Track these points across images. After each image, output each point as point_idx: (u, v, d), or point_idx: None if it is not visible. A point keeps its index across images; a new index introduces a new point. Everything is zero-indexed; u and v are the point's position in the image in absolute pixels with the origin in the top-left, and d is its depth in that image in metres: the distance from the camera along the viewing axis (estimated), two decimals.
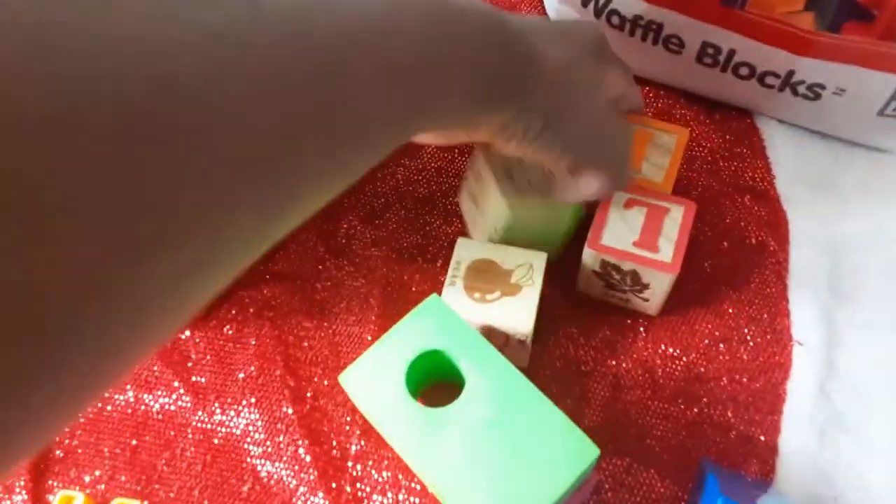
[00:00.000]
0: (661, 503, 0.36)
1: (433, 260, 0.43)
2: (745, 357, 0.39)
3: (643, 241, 0.37)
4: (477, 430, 0.29)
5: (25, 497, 0.37)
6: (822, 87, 0.42)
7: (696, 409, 0.38)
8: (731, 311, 0.41)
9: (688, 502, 0.36)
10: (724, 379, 0.39)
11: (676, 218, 0.37)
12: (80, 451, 0.39)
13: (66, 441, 0.39)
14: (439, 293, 0.37)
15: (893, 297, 0.40)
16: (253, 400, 0.39)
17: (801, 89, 0.43)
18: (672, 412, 0.38)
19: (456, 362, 0.31)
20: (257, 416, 0.39)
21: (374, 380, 0.30)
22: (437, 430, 0.29)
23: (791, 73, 0.42)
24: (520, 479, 0.28)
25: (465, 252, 0.37)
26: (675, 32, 0.44)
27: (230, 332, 0.41)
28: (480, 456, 0.28)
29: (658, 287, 0.38)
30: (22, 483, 0.38)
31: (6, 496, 0.38)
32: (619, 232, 0.37)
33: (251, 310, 0.42)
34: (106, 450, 0.39)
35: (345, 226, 0.44)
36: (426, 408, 0.30)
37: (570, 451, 0.29)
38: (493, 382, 0.30)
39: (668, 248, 0.37)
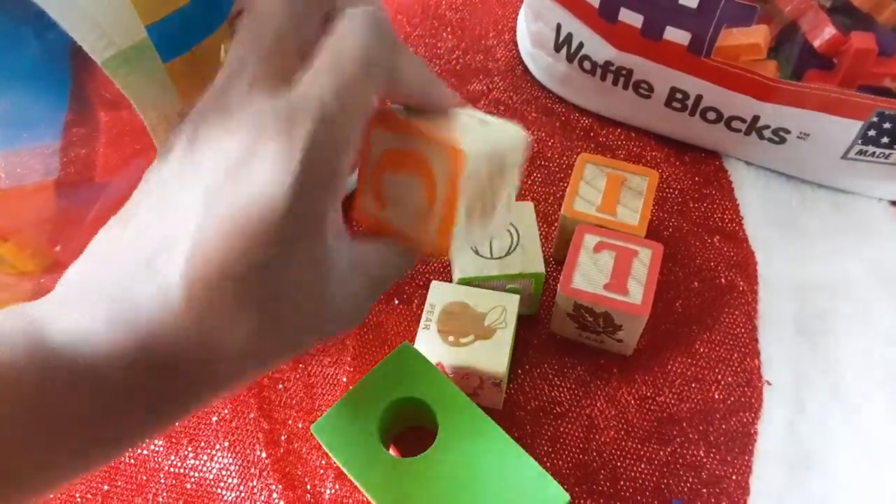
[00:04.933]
0: None
1: (409, 301, 0.43)
2: (716, 396, 0.40)
3: (613, 283, 0.38)
4: (449, 478, 0.29)
5: None
6: (787, 131, 0.44)
7: (668, 450, 0.38)
8: (702, 350, 0.41)
9: None
10: (696, 419, 0.39)
11: (645, 260, 0.38)
12: (51, 496, 0.38)
13: None
14: (414, 334, 0.37)
15: (857, 338, 0.41)
16: (226, 444, 0.39)
17: (767, 133, 0.44)
18: (645, 453, 0.38)
19: (428, 408, 0.31)
20: (231, 459, 0.39)
21: (346, 430, 0.30)
22: (409, 479, 0.29)
23: (756, 118, 0.44)
24: None
25: (438, 295, 0.38)
26: (645, 78, 0.45)
27: None
28: None
29: (630, 328, 0.38)
30: None
31: None
32: (590, 275, 0.38)
33: None
34: (77, 495, 0.38)
35: None
36: (399, 458, 0.30)
37: (540, 497, 0.29)
38: (464, 431, 0.30)
39: (638, 290, 0.37)
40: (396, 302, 0.43)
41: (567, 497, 0.29)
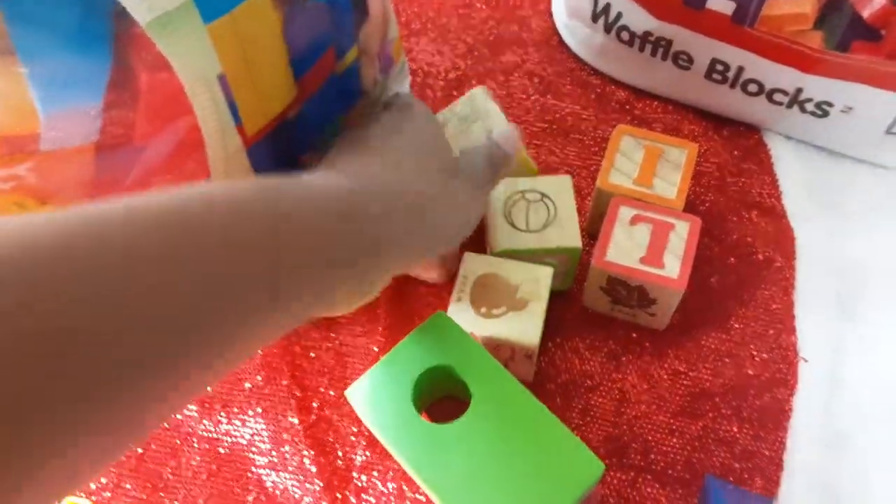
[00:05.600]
0: None
1: None
2: (750, 372, 0.39)
3: (649, 257, 0.37)
4: (482, 446, 0.29)
5: None
6: (830, 104, 0.43)
7: (701, 424, 0.38)
8: (737, 326, 0.41)
9: None
10: (729, 394, 0.39)
11: (682, 234, 0.38)
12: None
13: None
14: (446, 306, 0.37)
15: (894, 315, 0.40)
16: (259, 409, 0.39)
17: (809, 107, 0.43)
18: (677, 427, 0.38)
19: (462, 377, 0.31)
20: (263, 425, 0.39)
21: (380, 396, 0.30)
22: (442, 446, 0.29)
23: (799, 91, 0.43)
24: (525, 495, 0.28)
25: (471, 267, 0.38)
26: (685, 49, 0.44)
27: None
28: (486, 472, 0.29)
29: (665, 302, 0.38)
30: None
31: None
32: (625, 248, 0.37)
33: None
34: None
35: None
36: (432, 424, 0.30)
37: (575, 466, 0.29)
38: (498, 399, 0.30)
39: (675, 264, 0.37)
40: None
41: (603, 467, 0.28)
